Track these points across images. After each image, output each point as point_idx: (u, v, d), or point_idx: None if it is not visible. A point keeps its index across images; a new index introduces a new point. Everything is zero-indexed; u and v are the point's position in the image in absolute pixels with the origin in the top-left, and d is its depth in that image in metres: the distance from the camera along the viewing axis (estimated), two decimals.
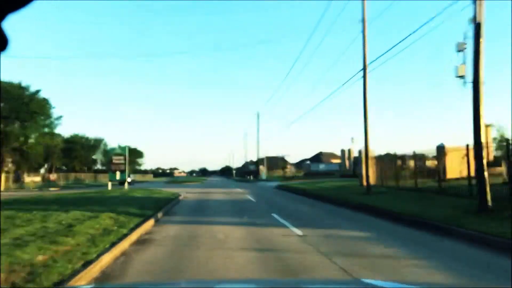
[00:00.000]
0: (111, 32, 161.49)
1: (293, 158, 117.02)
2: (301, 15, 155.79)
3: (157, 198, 16.90)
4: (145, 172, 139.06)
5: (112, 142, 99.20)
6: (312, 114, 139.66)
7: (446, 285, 3.92)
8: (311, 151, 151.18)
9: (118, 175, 23.96)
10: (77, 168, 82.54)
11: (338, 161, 76.44)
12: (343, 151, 54.15)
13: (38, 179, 71.46)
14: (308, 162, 63.24)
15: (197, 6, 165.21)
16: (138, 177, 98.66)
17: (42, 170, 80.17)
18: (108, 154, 24.69)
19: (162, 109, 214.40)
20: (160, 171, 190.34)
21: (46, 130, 41.27)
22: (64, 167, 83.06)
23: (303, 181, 33.12)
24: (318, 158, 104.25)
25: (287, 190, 25.33)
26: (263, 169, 60.36)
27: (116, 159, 23.88)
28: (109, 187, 23.85)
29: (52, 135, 42.78)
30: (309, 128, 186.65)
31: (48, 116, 40.51)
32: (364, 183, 21.18)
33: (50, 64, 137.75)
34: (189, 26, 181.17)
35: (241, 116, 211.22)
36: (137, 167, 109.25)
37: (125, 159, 24.03)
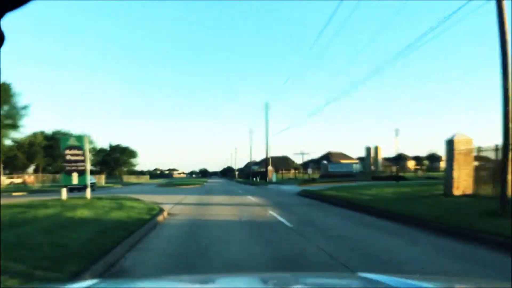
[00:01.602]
0: (110, 29, 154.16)
1: (298, 158, 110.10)
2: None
3: (115, 222, 9.27)
4: (141, 173, 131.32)
5: (104, 141, 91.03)
6: (313, 112, 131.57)
7: (446, 280, 2.79)
8: (316, 152, 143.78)
9: (75, 178, 16.30)
10: None
11: (348, 161, 69.00)
12: (368, 149, 46.40)
13: (19, 180, 64.14)
14: (325, 162, 55.45)
15: None
16: (132, 179, 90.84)
17: (31, 171, 72.86)
18: (61, 146, 16.89)
19: (161, 108, 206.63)
20: (158, 172, 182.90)
21: (9, 121, 33.48)
22: (50, 168, 75.20)
23: (330, 186, 25.43)
24: (326, 158, 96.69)
25: (321, 199, 17.65)
26: (271, 170, 52.62)
27: (70, 154, 16.21)
28: (63, 195, 16.20)
29: (15, 127, 34.98)
30: (312, 127, 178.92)
31: (11, 105, 32.86)
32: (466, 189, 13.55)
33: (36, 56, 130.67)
34: (189, 22, 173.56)
35: (243, 115, 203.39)
36: (131, 168, 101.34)
37: (84, 155, 16.36)
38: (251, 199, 19.09)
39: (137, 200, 16.31)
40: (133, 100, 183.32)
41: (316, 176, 50.18)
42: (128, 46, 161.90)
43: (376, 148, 46.47)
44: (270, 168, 53.53)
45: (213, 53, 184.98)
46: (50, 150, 70.87)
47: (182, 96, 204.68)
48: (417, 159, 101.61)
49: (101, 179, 66.91)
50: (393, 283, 1.52)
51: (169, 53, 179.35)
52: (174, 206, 14.81)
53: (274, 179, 46.58)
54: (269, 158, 55.91)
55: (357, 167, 48.77)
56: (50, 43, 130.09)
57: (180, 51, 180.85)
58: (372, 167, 45.91)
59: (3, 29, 0.69)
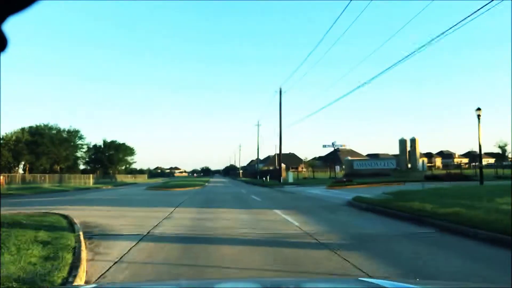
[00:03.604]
0: (111, 29, 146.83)
1: (302, 156, 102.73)
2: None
3: None
4: (141, 172, 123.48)
5: (106, 138, 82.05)
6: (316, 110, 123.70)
7: (447, 284, 3.04)
8: (318, 150, 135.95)
9: None
10: (56, 168, 66.65)
11: (358, 158, 61.52)
12: (402, 142, 38.14)
13: None
14: (348, 158, 47.18)
15: None
16: (128, 179, 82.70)
17: (21, 170, 65.41)
18: None
19: (164, 106, 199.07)
20: (159, 171, 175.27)
21: None
22: (41, 166, 67.04)
23: (388, 190, 17.26)
24: (334, 155, 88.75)
25: (421, 221, 9.35)
26: (284, 168, 44.39)
27: None
28: None
29: None
30: (313, 126, 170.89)
31: None
32: None
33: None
34: (189, 16, 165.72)
35: (245, 114, 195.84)
36: (129, 166, 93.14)
37: None
38: (288, 221, 10.66)
39: (64, 229, 8.14)
40: (134, 97, 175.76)
41: (340, 175, 42.16)
42: (128, 40, 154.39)
43: (413, 141, 38.19)
44: (283, 165, 45.35)
45: (214, 50, 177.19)
46: (34, 147, 63.00)
47: (183, 94, 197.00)
48: (429, 155, 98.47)
49: (89, 179, 59.14)
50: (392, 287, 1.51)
51: (171, 47, 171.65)
52: (131, 249, 6.64)
53: (290, 179, 38.22)
54: (280, 154, 47.70)
55: (389, 163, 40.35)
56: (42, 38, 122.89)
57: (182, 45, 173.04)
58: (409, 164, 37.82)
59: (5, 32, 0.66)
